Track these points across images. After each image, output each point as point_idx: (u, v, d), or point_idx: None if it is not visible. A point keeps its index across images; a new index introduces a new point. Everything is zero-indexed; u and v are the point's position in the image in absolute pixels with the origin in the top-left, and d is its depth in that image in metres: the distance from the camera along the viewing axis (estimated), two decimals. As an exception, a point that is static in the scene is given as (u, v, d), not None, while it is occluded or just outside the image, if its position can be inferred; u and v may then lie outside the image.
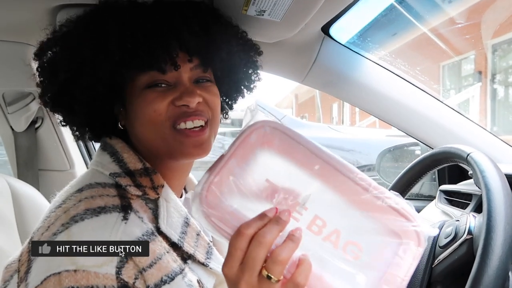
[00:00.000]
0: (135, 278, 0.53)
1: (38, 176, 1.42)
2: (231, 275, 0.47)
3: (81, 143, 1.51)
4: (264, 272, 0.46)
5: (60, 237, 0.53)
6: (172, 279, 0.56)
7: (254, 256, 0.46)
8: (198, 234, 0.66)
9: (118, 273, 0.52)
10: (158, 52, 0.60)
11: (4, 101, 1.35)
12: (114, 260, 0.53)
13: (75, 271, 0.50)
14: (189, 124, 0.63)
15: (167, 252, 0.59)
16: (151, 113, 0.62)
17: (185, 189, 0.80)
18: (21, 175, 1.40)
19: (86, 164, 1.52)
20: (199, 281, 0.61)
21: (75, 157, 1.46)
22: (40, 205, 1.10)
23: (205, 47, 0.64)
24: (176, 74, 0.64)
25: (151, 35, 0.61)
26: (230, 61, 0.71)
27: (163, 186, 0.64)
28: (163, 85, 0.63)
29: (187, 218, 0.66)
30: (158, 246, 0.58)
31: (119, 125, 0.68)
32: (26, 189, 1.11)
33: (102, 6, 0.66)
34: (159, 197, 0.63)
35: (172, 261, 0.58)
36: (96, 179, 0.62)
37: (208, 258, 0.66)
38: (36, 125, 1.40)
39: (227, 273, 0.47)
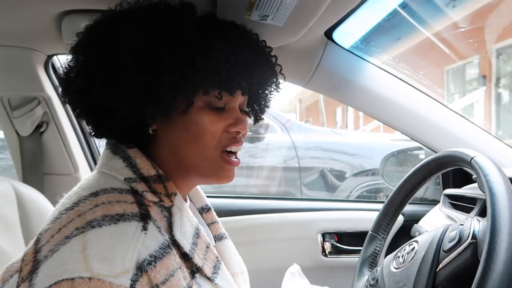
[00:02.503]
0: None
1: (42, 180, 1.43)
2: None
3: (85, 147, 1.52)
4: None
5: (74, 241, 0.52)
6: None
7: None
8: (207, 247, 0.65)
9: (132, 286, 0.51)
10: (241, 77, 0.65)
11: (10, 106, 1.36)
12: (130, 272, 0.51)
13: (89, 278, 0.49)
14: (235, 148, 0.68)
15: (179, 268, 0.57)
16: (206, 135, 0.64)
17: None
18: (25, 179, 1.41)
19: (91, 168, 1.53)
20: None
21: (80, 161, 1.47)
22: (44, 209, 1.10)
23: (257, 79, 0.70)
24: (227, 100, 0.67)
25: (244, 60, 0.65)
26: (268, 91, 0.77)
27: (176, 194, 0.64)
28: (215, 107, 0.65)
29: (197, 229, 0.65)
30: (172, 261, 0.57)
31: (150, 129, 0.65)
32: (31, 193, 1.11)
33: (205, 17, 0.68)
34: (173, 205, 0.62)
35: (182, 278, 0.57)
36: (110, 184, 0.60)
37: (215, 272, 0.65)
38: (41, 130, 1.41)
39: None
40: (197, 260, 0.61)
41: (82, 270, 0.49)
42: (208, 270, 0.63)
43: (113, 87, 0.60)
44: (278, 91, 0.77)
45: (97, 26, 0.65)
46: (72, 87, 0.64)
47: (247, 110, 0.75)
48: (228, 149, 0.67)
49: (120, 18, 0.64)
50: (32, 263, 0.53)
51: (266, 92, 0.76)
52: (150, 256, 0.54)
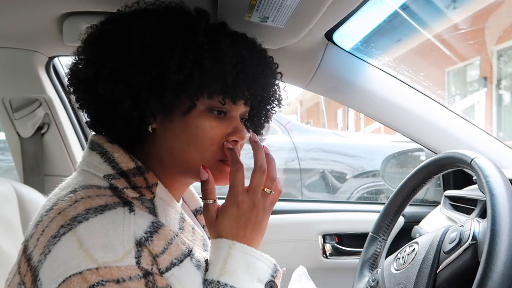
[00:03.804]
0: (152, 265, 0.54)
1: (43, 181, 1.43)
2: (241, 201, 0.62)
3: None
4: (267, 190, 0.65)
5: (66, 238, 0.52)
6: (181, 261, 0.58)
7: (258, 180, 0.64)
8: (193, 228, 0.68)
9: (138, 262, 0.53)
10: (246, 86, 0.65)
11: (11, 107, 1.36)
12: (132, 251, 0.53)
13: (97, 268, 0.50)
14: None
15: (176, 236, 0.60)
16: (205, 140, 0.64)
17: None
18: (27, 180, 1.41)
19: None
20: (206, 261, 0.62)
21: (81, 163, 1.47)
22: (45, 210, 1.11)
23: (261, 91, 0.70)
24: (229, 108, 0.67)
25: (251, 70, 0.66)
26: (270, 106, 0.77)
27: (156, 185, 0.64)
28: (215, 112, 0.65)
29: (182, 213, 0.67)
30: (167, 231, 0.59)
31: (149, 128, 0.65)
32: (32, 194, 1.12)
33: (218, 25, 0.69)
34: (154, 196, 0.64)
35: (181, 243, 0.59)
36: (89, 181, 0.61)
37: (205, 250, 0.68)
38: (42, 131, 1.42)
39: (240, 201, 0.62)
40: (188, 242, 0.63)
41: (87, 263, 0.50)
42: (198, 250, 0.65)
43: (119, 79, 0.60)
44: (280, 107, 0.77)
45: (112, 21, 0.66)
46: (79, 76, 0.65)
47: (246, 123, 0.75)
48: (225, 159, 0.67)
49: (135, 15, 0.65)
50: (31, 272, 0.54)
51: (268, 107, 0.77)
52: (146, 233, 0.56)
